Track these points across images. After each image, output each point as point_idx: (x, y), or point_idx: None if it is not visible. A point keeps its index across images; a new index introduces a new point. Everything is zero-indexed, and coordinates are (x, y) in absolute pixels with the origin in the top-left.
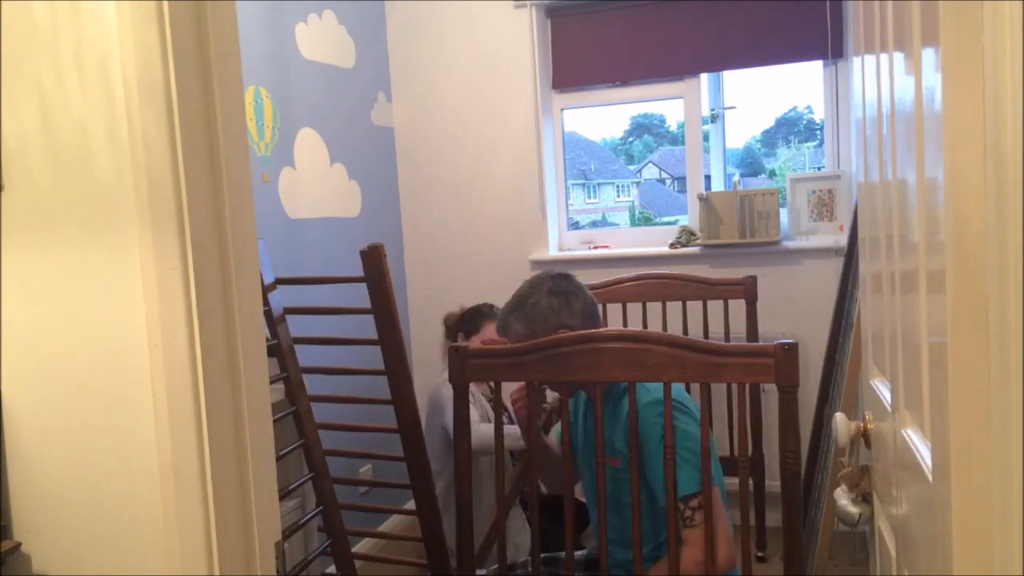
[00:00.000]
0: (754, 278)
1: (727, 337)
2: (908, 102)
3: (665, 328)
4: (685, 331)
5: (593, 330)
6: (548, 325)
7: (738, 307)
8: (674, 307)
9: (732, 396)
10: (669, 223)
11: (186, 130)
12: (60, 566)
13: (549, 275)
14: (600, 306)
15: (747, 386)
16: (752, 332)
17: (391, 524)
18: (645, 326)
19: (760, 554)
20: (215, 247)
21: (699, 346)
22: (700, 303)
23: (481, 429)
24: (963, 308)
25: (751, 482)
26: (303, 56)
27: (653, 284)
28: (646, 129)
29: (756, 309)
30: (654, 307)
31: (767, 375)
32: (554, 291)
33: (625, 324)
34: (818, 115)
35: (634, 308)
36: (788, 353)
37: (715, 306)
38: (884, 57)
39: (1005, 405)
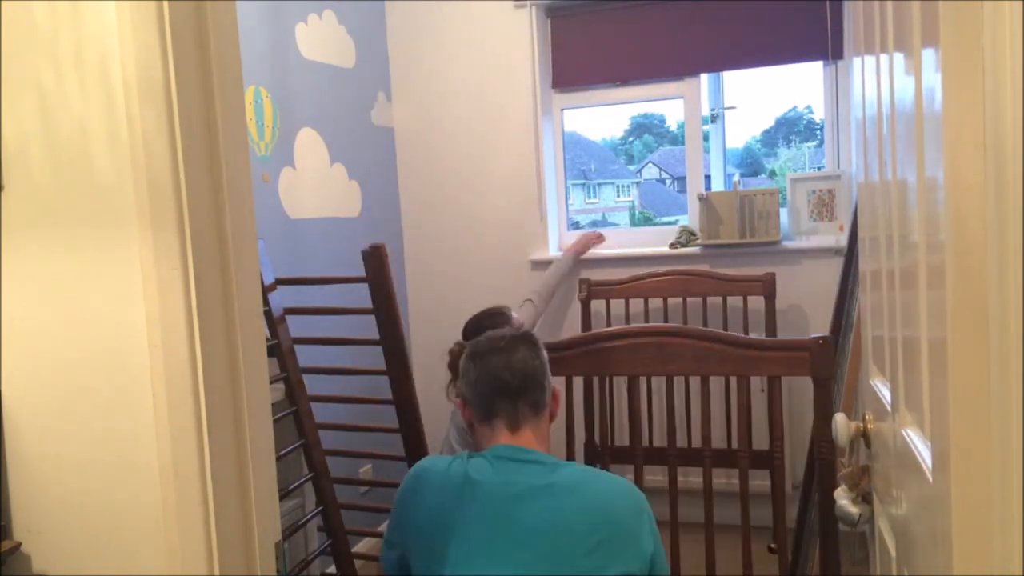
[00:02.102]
0: (773, 274)
1: (746, 331)
2: (908, 102)
3: (686, 322)
4: (704, 325)
5: (631, 326)
6: (460, 388)
7: (757, 302)
8: (694, 302)
9: (730, 394)
10: (669, 223)
11: (186, 130)
12: (60, 566)
13: (498, 333)
14: (623, 301)
15: (744, 382)
16: (771, 327)
17: None
18: (666, 320)
19: (773, 546)
20: (215, 247)
21: (738, 341)
22: (719, 298)
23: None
24: (963, 308)
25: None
26: (303, 56)
27: (675, 280)
28: (646, 129)
29: (775, 304)
30: (674, 302)
31: (803, 368)
32: (469, 352)
33: (647, 318)
34: (818, 115)
35: (655, 303)
36: (823, 347)
37: (734, 302)
38: (884, 57)
39: (1005, 405)
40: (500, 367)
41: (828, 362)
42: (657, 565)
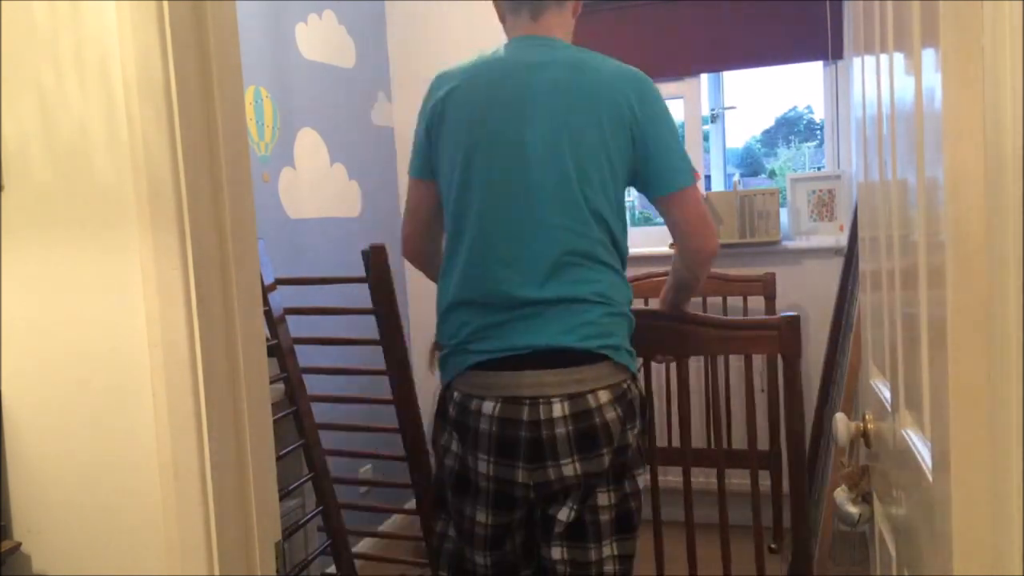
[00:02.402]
0: (772, 274)
1: None
2: (908, 102)
3: None
4: None
5: None
6: None
7: (756, 303)
8: (694, 302)
9: (730, 396)
10: None
11: (186, 130)
12: (60, 566)
13: None
14: None
15: (719, 371)
16: None
17: (391, 524)
18: None
19: (773, 546)
20: (215, 247)
21: (709, 321)
22: (719, 299)
23: None
24: (963, 308)
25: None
26: (303, 56)
27: None
28: None
29: (775, 305)
30: None
31: (772, 346)
32: None
33: None
34: (818, 115)
35: (654, 304)
36: (791, 325)
37: (733, 302)
38: (884, 57)
39: (1005, 405)
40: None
41: (796, 340)
42: (651, 140)
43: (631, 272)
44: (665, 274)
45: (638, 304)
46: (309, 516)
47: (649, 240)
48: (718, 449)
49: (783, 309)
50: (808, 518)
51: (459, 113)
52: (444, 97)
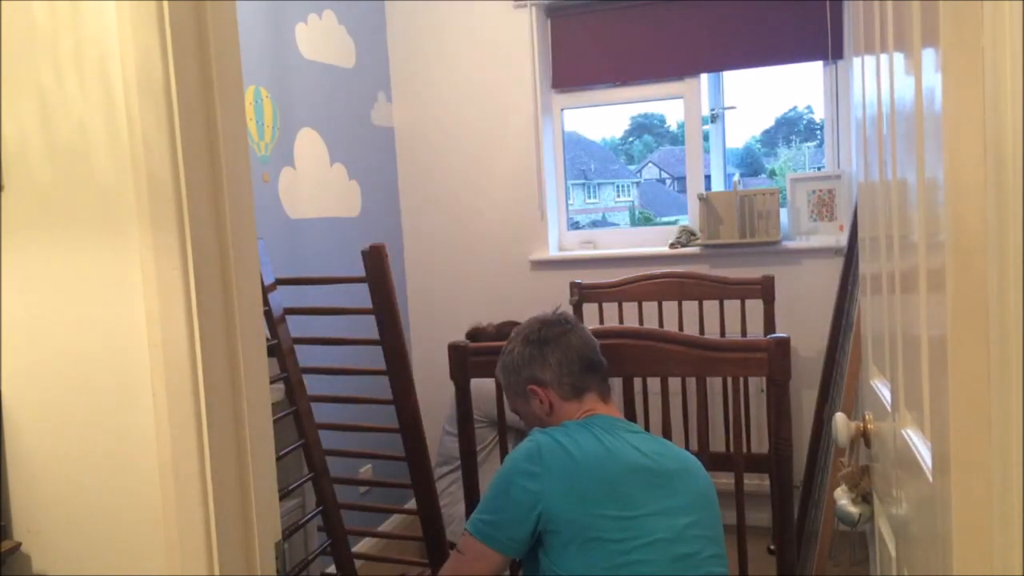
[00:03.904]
0: (772, 277)
1: (744, 336)
2: (908, 102)
3: (681, 327)
4: (701, 330)
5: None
6: (520, 377)
7: (754, 306)
8: (690, 306)
9: (728, 393)
10: (669, 223)
11: (186, 130)
12: (60, 566)
13: (540, 318)
14: (616, 304)
15: (702, 383)
16: (770, 331)
17: (391, 524)
18: (661, 325)
19: (772, 548)
20: (215, 247)
21: (695, 342)
22: (716, 302)
23: None
24: (963, 308)
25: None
26: (303, 56)
27: (670, 283)
28: (646, 129)
29: (774, 308)
30: (670, 306)
31: (760, 369)
32: (530, 339)
33: (641, 322)
34: (818, 115)
35: (650, 307)
36: (780, 347)
37: (732, 305)
38: (884, 57)
39: (1005, 405)
40: (582, 346)
41: (785, 363)
42: None
43: (628, 272)
44: (663, 275)
45: (647, 304)
46: (309, 516)
47: (649, 240)
48: (701, 452)
49: (783, 309)
50: (793, 541)
51: (589, 493)
52: (554, 480)
